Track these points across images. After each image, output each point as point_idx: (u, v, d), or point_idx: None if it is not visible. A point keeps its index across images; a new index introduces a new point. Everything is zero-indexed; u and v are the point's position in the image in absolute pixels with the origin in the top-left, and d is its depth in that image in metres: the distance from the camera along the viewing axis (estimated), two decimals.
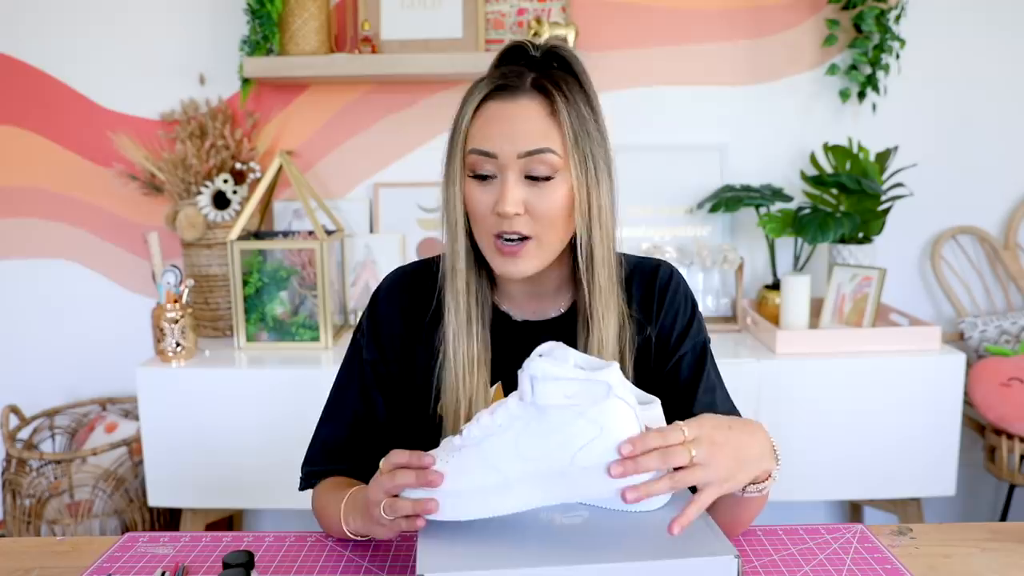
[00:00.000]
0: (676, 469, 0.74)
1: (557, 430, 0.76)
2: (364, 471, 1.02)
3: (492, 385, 1.00)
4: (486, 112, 0.92)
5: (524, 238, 0.92)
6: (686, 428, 0.75)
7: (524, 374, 0.76)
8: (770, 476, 0.85)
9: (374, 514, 0.82)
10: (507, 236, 0.92)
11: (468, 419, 0.96)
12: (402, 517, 0.80)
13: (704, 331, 1.04)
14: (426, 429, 1.02)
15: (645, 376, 1.00)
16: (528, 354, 0.95)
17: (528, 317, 1.02)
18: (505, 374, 1.00)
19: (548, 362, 0.75)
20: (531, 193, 0.91)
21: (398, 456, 0.81)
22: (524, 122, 0.90)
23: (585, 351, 0.96)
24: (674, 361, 1.00)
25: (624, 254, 1.03)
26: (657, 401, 0.79)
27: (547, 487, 0.77)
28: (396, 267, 1.09)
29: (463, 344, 0.96)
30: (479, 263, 0.99)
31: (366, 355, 1.04)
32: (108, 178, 2.22)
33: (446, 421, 0.98)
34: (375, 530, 0.86)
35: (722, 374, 1.04)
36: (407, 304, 1.04)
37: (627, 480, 0.73)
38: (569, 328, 1.00)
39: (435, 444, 0.99)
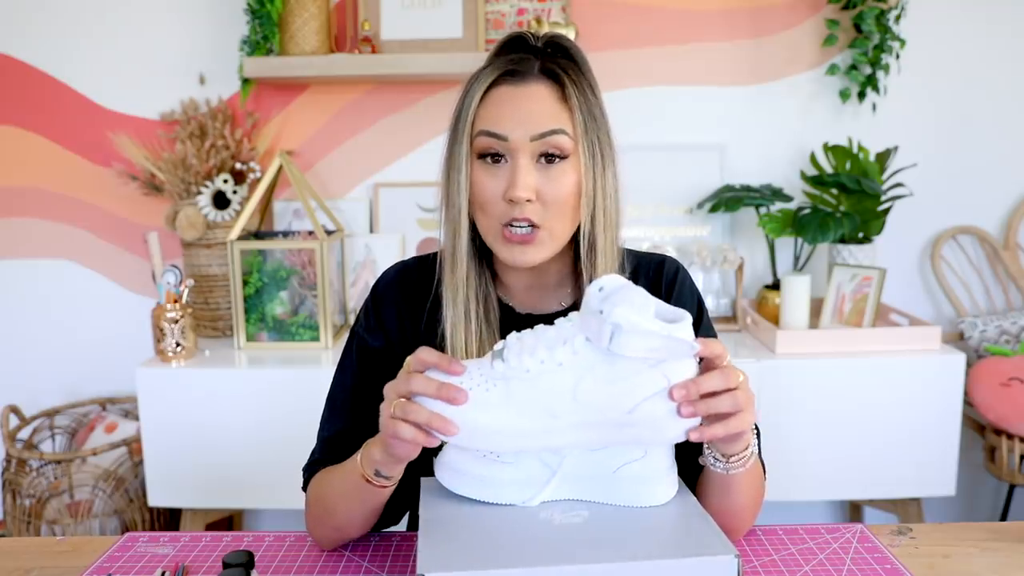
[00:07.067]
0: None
1: (624, 378, 0.72)
2: None
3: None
4: (495, 96, 0.91)
5: (533, 227, 0.90)
6: (742, 373, 0.79)
7: (605, 321, 0.70)
8: (748, 447, 0.86)
9: (386, 424, 0.78)
10: (517, 224, 0.90)
11: None
12: (414, 426, 0.76)
13: (712, 326, 1.04)
14: None
15: None
16: None
17: (530, 310, 1.02)
18: None
19: (632, 312, 0.69)
20: (542, 178, 0.90)
21: (427, 354, 0.78)
22: (535, 104, 0.90)
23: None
24: None
25: (628, 249, 1.03)
26: (688, 318, 0.76)
27: (595, 433, 0.74)
28: (396, 262, 1.08)
29: (461, 337, 0.95)
30: (480, 256, 0.98)
31: (372, 343, 1.02)
32: (108, 178, 2.22)
33: None
34: (391, 446, 0.80)
35: None
36: (407, 297, 1.03)
37: (691, 422, 0.75)
38: None
39: None
